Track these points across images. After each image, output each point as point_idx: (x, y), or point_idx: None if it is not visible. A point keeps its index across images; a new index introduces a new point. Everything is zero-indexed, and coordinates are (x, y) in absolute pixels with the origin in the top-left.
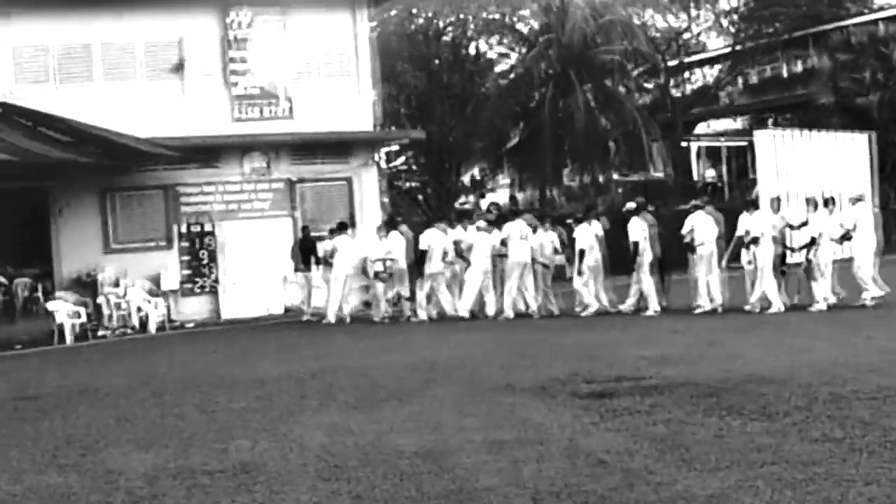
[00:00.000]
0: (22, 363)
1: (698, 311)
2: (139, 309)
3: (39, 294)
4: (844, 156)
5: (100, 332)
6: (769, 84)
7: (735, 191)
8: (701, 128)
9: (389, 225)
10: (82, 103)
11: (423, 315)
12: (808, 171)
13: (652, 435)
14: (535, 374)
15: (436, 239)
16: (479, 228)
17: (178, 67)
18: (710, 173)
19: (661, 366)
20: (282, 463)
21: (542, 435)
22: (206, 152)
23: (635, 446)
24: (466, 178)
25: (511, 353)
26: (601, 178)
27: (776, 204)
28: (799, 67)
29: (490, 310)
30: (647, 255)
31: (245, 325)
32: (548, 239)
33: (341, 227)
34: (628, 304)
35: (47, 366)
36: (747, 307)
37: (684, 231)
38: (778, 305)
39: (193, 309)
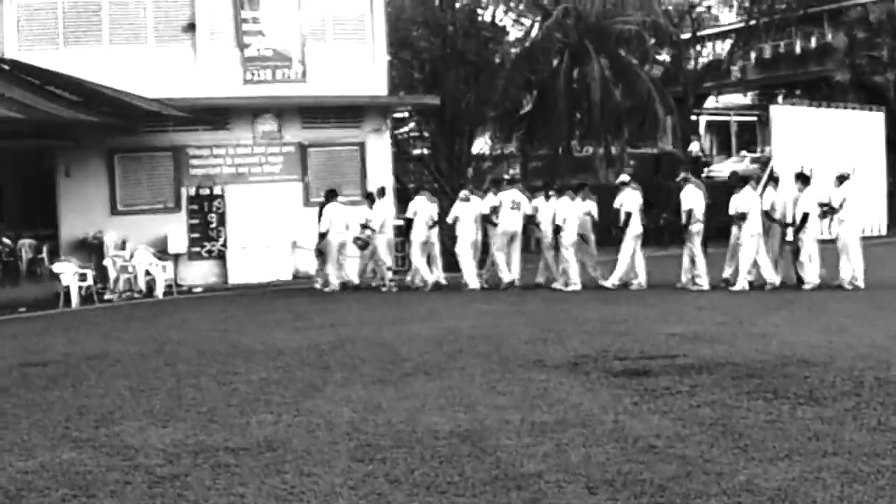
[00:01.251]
0: (27, 327)
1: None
2: (147, 272)
3: (44, 256)
4: (859, 132)
5: (106, 296)
6: (782, 60)
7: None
8: (709, 102)
9: (381, 193)
10: (90, 64)
11: (429, 279)
12: (823, 147)
13: (699, 418)
14: (563, 350)
15: (422, 206)
16: (462, 199)
17: (189, 28)
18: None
19: (694, 344)
20: (309, 441)
21: (583, 416)
22: (217, 114)
23: (685, 430)
24: (475, 148)
25: (535, 327)
26: (614, 150)
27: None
28: (813, 44)
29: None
30: (634, 228)
31: (253, 290)
32: (583, 209)
33: (330, 195)
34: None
35: (54, 330)
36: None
37: (685, 207)
38: (743, 284)
39: (200, 273)
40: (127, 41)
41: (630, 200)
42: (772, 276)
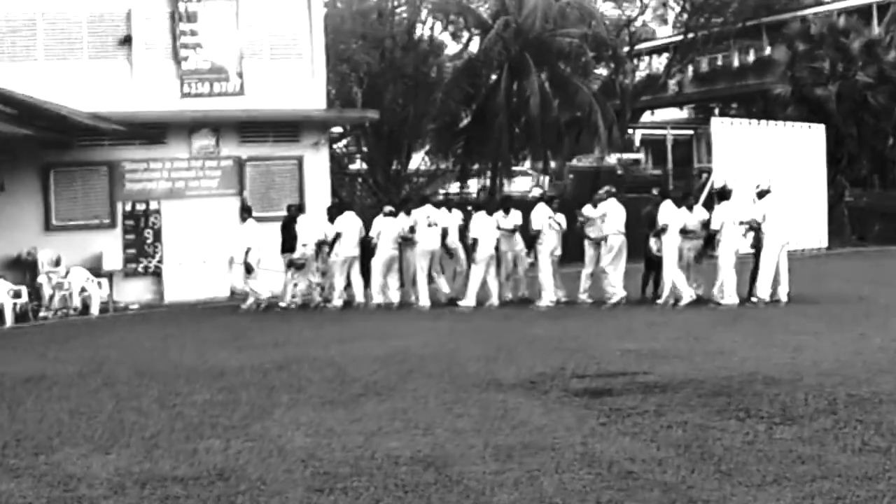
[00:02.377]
0: None
1: (611, 301)
2: (83, 290)
3: None
4: (800, 148)
5: (41, 314)
6: (720, 74)
7: (680, 181)
8: (645, 117)
9: (300, 210)
10: (24, 78)
11: (379, 299)
12: (763, 162)
13: (673, 440)
14: (517, 369)
15: (349, 223)
16: (385, 214)
17: (125, 41)
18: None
19: (652, 361)
20: (262, 468)
21: (549, 439)
22: (153, 128)
23: (659, 453)
24: (413, 163)
25: (485, 345)
26: (553, 164)
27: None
28: (752, 57)
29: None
30: (547, 244)
31: (190, 308)
32: (508, 223)
33: (297, 209)
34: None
35: None
36: (659, 301)
37: (596, 214)
38: (681, 296)
39: (136, 291)
40: (62, 54)
41: (539, 216)
42: (688, 291)
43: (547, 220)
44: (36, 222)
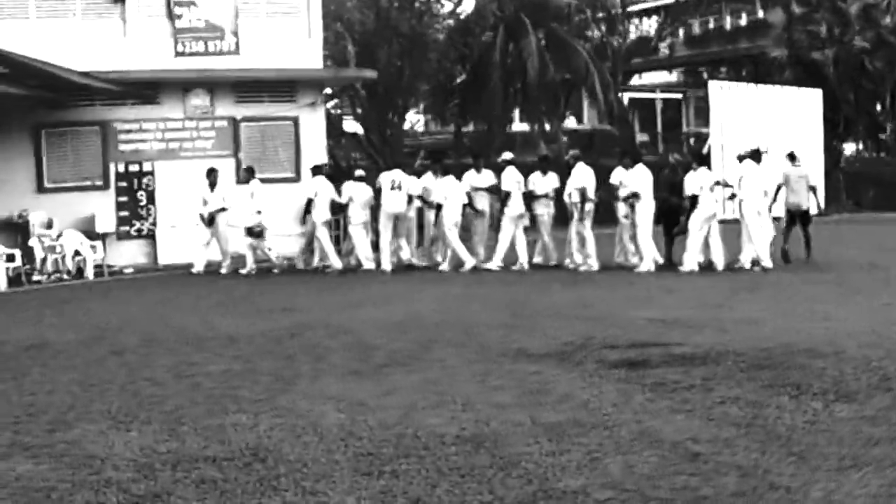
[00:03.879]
0: None
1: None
2: (77, 253)
3: None
4: (797, 111)
5: (34, 278)
6: (711, 37)
7: (669, 144)
8: (633, 80)
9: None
10: (16, 37)
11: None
12: (760, 126)
13: (730, 418)
14: (543, 338)
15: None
16: (356, 179)
17: None
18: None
19: (682, 331)
20: (299, 448)
21: (598, 416)
22: (147, 88)
23: (721, 433)
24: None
25: (499, 312)
26: (548, 127)
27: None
28: (743, 20)
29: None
30: (513, 208)
31: (185, 271)
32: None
33: (318, 169)
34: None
35: None
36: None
37: (577, 186)
38: (649, 264)
39: (129, 254)
40: (54, 13)
41: (509, 179)
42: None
43: (516, 184)
44: (27, 184)
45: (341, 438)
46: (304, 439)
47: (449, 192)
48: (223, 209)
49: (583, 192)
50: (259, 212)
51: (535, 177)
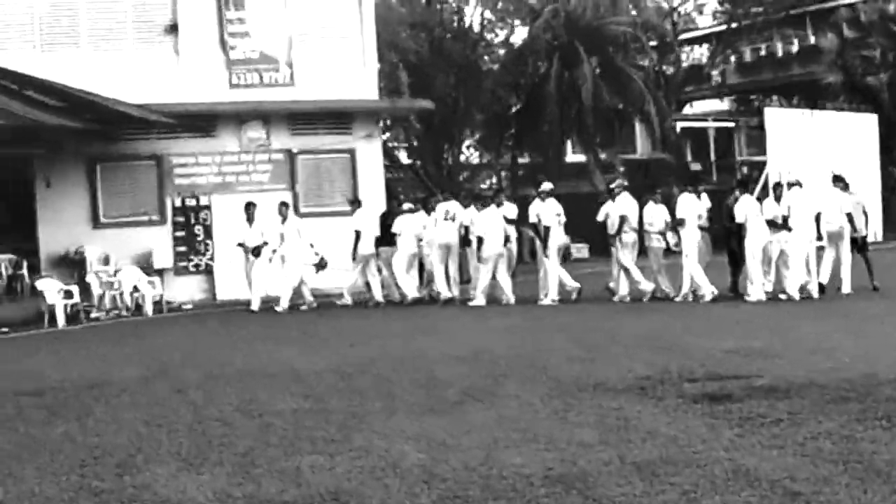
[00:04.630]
0: (13, 349)
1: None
2: (135, 289)
3: (24, 272)
4: (853, 135)
5: (93, 314)
6: (763, 64)
7: (722, 173)
8: (685, 109)
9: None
10: (68, 68)
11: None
12: (816, 152)
13: (826, 454)
14: (618, 370)
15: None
16: (406, 210)
17: (171, 29)
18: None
19: (760, 361)
20: (381, 490)
21: (688, 453)
22: (202, 120)
23: (819, 470)
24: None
25: (570, 344)
26: (603, 156)
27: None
28: (795, 46)
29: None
30: (554, 241)
31: (244, 307)
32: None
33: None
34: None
35: (42, 353)
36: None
37: (619, 214)
38: (708, 290)
39: (187, 289)
40: (106, 43)
41: (547, 212)
42: (709, 287)
43: (555, 217)
44: (83, 218)
45: (424, 480)
46: (385, 481)
47: (488, 224)
48: (265, 243)
49: (622, 220)
50: (311, 245)
51: (649, 208)
